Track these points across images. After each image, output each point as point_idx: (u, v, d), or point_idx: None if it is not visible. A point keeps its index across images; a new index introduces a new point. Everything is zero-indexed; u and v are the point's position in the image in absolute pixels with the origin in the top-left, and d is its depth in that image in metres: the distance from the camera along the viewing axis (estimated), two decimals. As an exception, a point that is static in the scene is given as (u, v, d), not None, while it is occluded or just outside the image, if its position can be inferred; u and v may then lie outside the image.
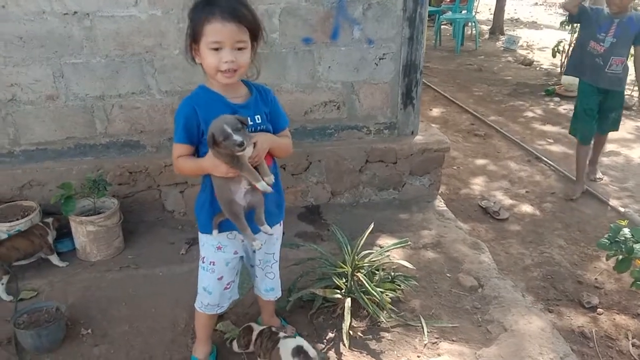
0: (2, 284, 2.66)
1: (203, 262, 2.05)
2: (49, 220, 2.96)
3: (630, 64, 3.99)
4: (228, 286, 2.09)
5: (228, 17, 1.64)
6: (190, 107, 1.76)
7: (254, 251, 2.06)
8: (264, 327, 2.26)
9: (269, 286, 2.21)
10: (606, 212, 3.97)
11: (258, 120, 1.83)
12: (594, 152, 4.45)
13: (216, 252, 2.00)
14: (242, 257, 2.10)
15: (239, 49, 1.69)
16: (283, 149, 1.96)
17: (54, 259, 2.92)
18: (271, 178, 1.79)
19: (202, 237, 2.02)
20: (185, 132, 1.77)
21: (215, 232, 1.93)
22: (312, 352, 2.08)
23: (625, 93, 6.58)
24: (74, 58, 3.06)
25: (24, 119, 3.15)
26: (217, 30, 1.65)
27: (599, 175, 4.50)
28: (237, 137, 1.61)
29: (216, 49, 1.67)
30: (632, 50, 3.96)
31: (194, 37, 1.71)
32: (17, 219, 2.94)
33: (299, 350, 2.07)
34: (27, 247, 2.80)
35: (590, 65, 4.00)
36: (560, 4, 4.36)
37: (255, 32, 1.73)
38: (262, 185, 1.74)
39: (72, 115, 3.19)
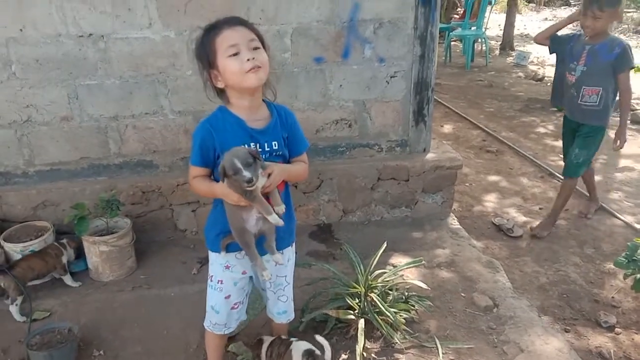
0: (17, 304, 2.67)
1: (211, 281, 2.04)
2: (64, 240, 2.98)
3: None
4: (235, 306, 2.07)
5: (234, 23, 1.72)
6: (207, 129, 1.77)
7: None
8: (274, 337, 2.27)
9: (282, 309, 2.18)
10: (621, 228, 3.91)
11: (275, 146, 1.82)
12: (554, 203, 3.99)
13: (224, 271, 1.98)
14: (251, 278, 2.08)
15: (255, 48, 1.71)
16: (297, 176, 1.96)
17: (67, 279, 2.93)
18: (282, 208, 1.77)
19: (212, 255, 2.01)
20: (200, 154, 1.78)
21: (223, 252, 1.92)
22: (327, 354, 2.13)
23: (637, 109, 6.62)
24: (89, 79, 3.11)
25: (38, 140, 3.19)
26: (228, 36, 1.69)
27: (542, 232, 3.83)
28: (246, 174, 1.60)
29: (235, 54, 1.68)
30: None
31: (209, 63, 1.73)
32: (31, 239, 2.96)
33: (310, 353, 2.11)
34: (41, 268, 2.82)
35: (567, 97, 3.74)
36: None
37: (261, 39, 1.76)
38: (273, 218, 1.73)
39: (86, 135, 3.23)
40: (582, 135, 3.67)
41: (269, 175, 1.70)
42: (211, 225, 1.95)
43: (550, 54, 3.96)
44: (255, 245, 1.82)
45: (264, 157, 1.76)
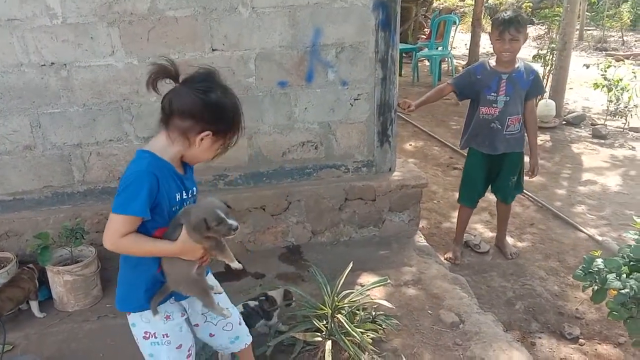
0: None
1: (155, 338, 1.82)
2: (31, 265, 2.96)
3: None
4: (190, 352, 1.91)
5: None
6: (153, 176, 1.62)
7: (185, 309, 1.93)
8: None
9: (232, 336, 2.06)
10: (584, 241, 4.02)
11: (192, 194, 1.81)
12: (500, 227, 3.96)
13: (166, 323, 1.82)
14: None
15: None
16: None
17: (35, 306, 2.89)
18: None
19: (145, 315, 1.80)
20: (148, 203, 1.62)
21: (158, 315, 1.78)
22: None
23: (599, 123, 6.86)
24: (51, 108, 3.09)
25: (0, 170, 3.15)
26: None
27: (512, 250, 3.88)
28: (231, 222, 1.64)
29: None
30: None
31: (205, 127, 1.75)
32: (-7, 271, 2.91)
33: None
34: (19, 295, 2.80)
35: (487, 133, 3.46)
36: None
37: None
38: (235, 265, 1.78)
39: (50, 164, 3.20)
40: (512, 164, 3.57)
41: None
42: (136, 287, 1.77)
43: (461, 100, 3.75)
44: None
45: (186, 203, 1.77)
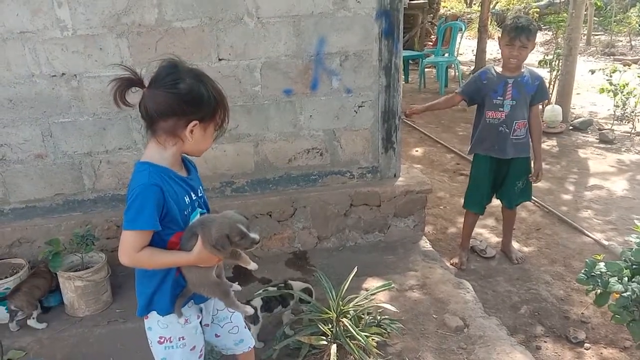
0: (34, 318, 2.90)
1: (170, 342, 1.85)
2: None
3: None
4: (201, 352, 1.96)
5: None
6: (158, 189, 1.62)
7: (201, 310, 1.97)
8: None
9: (237, 339, 2.10)
10: (590, 246, 4.02)
11: (200, 192, 1.83)
12: (505, 232, 3.96)
13: (184, 327, 1.86)
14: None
15: None
16: None
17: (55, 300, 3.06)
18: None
19: (165, 319, 1.82)
20: (156, 215, 1.63)
21: (182, 318, 1.83)
22: None
23: (605, 128, 6.85)
24: (62, 117, 3.17)
25: (13, 178, 3.23)
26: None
27: (518, 255, 3.88)
28: (254, 235, 1.68)
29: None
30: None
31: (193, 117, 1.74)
32: (6, 277, 2.98)
33: None
34: (44, 284, 2.97)
35: (495, 138, 3.47)
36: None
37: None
38: (253, 266, 1.84)
39: (61, 172, 3.27)
40: (518, 170, 3.59)
41: None
42: (157, 293, 1.79)
43: (470, 106, 3.70)
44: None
45: (197, 204, 1.79)
